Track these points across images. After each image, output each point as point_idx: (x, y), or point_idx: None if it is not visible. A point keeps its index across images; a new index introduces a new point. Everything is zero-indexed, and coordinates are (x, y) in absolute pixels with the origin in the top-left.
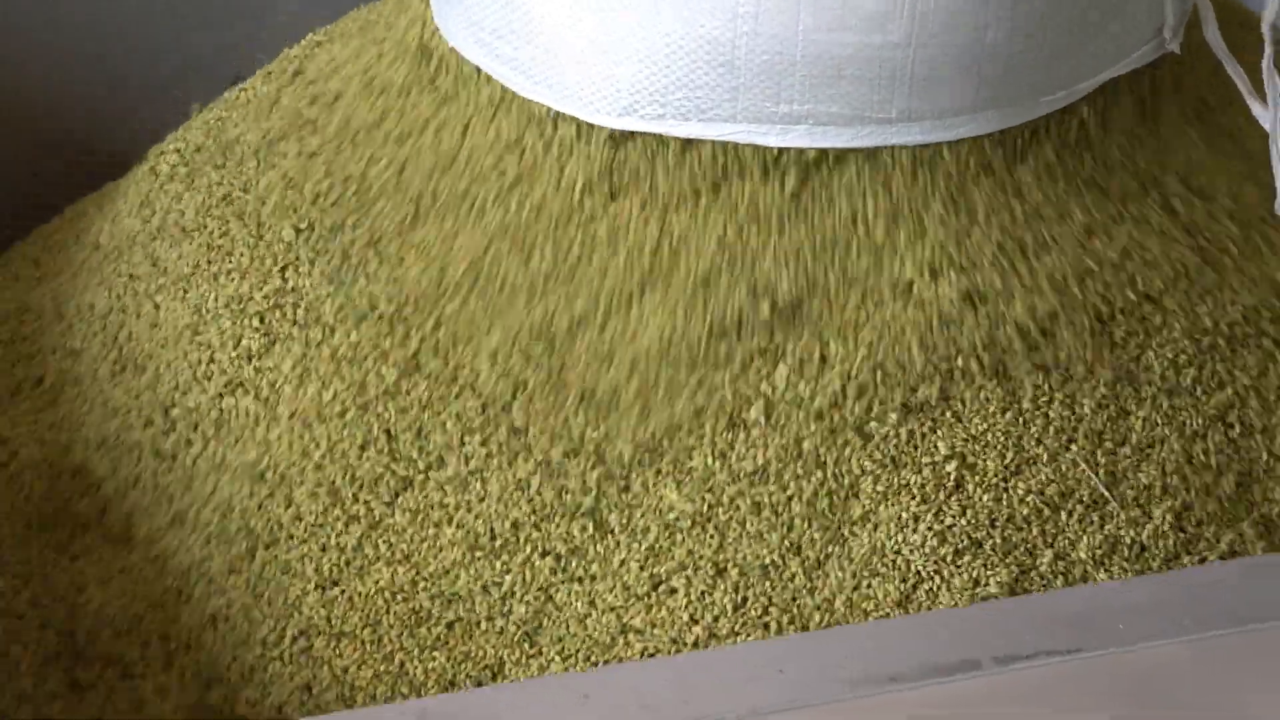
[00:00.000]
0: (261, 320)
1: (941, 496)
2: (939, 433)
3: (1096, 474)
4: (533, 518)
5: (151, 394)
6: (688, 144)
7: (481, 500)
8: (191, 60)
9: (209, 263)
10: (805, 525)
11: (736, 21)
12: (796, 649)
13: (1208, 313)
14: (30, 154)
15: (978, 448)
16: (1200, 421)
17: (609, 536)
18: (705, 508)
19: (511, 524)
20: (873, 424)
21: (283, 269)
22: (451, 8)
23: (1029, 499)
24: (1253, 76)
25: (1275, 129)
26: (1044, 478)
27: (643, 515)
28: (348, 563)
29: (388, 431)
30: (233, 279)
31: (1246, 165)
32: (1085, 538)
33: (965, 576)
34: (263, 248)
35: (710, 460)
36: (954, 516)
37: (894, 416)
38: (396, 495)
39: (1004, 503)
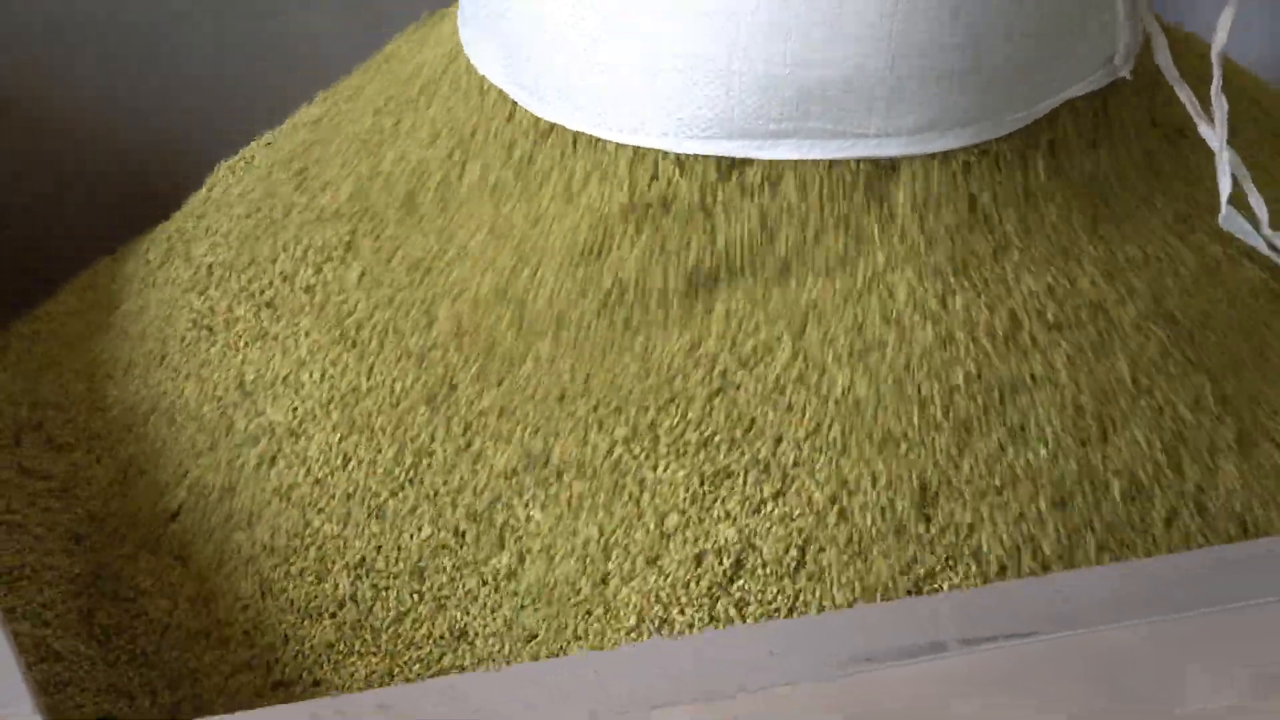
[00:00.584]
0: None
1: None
2: None
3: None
4: None
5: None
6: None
7: None
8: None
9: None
10: None
11: (733, 48)
12: (784, 632)
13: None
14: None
15: None
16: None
17: None
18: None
19: None
20: None
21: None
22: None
23: None
24: (1204, 102)
25: (1221, 149)
26: None
27: None
28: None
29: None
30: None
31: (1185, 185)
32: None
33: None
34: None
35: None
36: None
37: None
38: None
39: None
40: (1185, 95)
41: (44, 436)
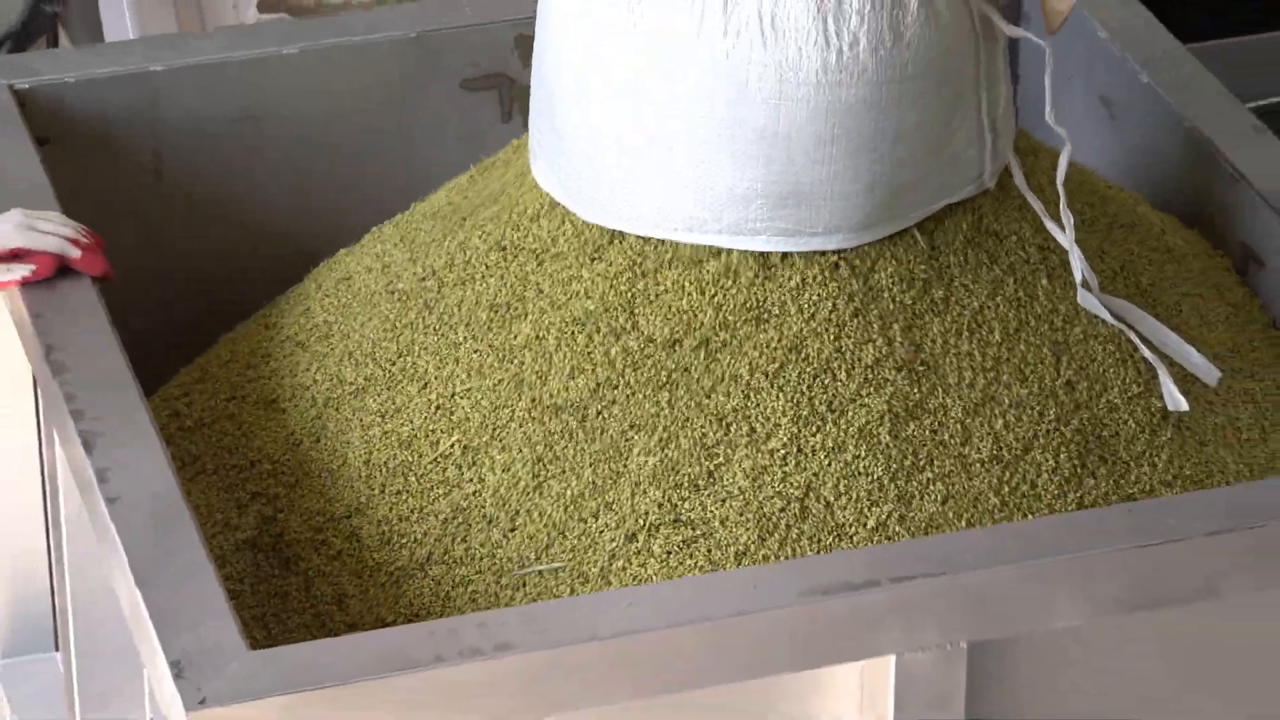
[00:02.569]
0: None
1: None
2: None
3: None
4: None
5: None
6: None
7: None
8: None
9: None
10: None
11: (718, 171)
12: (769, 573)
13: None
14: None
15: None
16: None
17: None
18: None
19: None
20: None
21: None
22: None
23: None
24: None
25: (1072, 245)
26: None
27: None
28: None
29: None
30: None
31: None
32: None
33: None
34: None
35: None
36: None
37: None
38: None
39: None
40: (1037, 206)
41: (227, 429)
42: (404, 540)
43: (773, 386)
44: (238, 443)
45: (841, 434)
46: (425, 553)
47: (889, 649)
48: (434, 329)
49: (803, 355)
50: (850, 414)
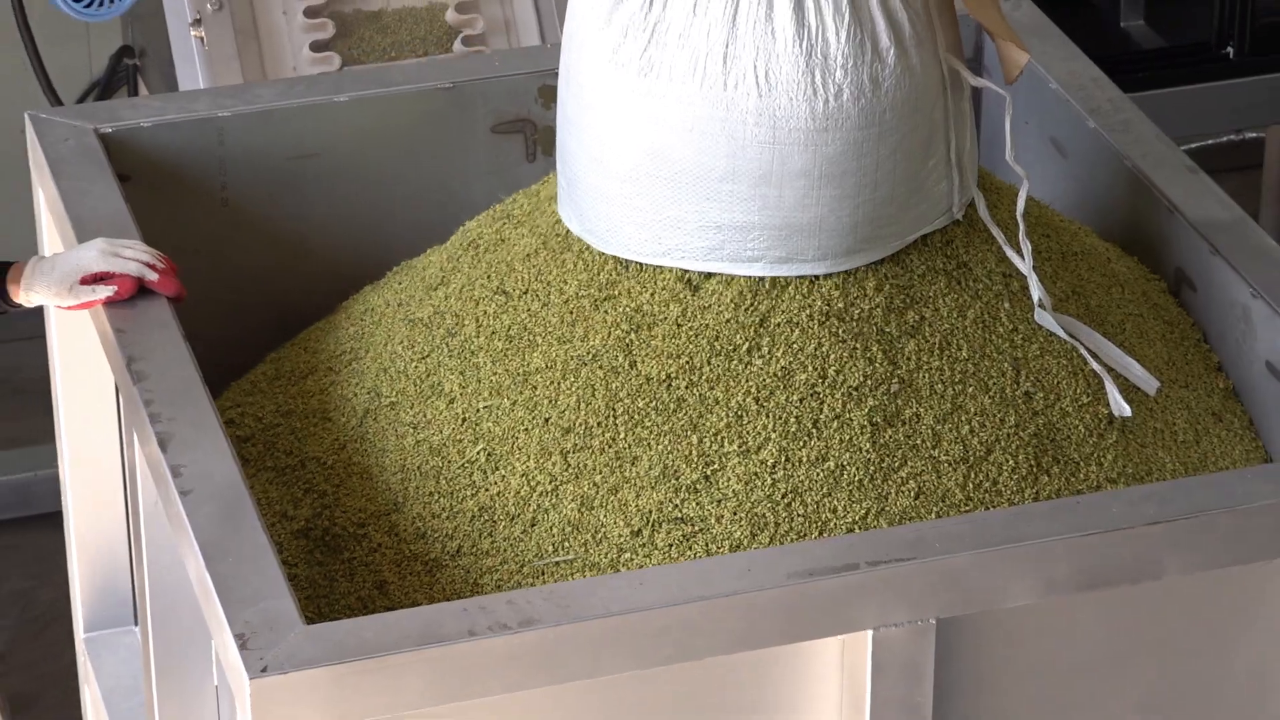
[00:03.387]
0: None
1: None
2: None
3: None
4: None
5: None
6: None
7: None
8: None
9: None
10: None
11: (721, 208)
12: (761, 557)
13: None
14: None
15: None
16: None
17: None
18: None
19: None
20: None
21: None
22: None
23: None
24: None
25: (1030, 271)
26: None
27: None
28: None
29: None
30: None
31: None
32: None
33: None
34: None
35: None
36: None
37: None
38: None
39: None
40: (999, 235)
41: (281, 434)
42: (436, 535)
43: (762, 410)
44: (291, 446)
45: (826, 446)
46: (455, 546)
47: (867, 624)
48: (457, 353)
49: (791, 383)
50: (834, 429)
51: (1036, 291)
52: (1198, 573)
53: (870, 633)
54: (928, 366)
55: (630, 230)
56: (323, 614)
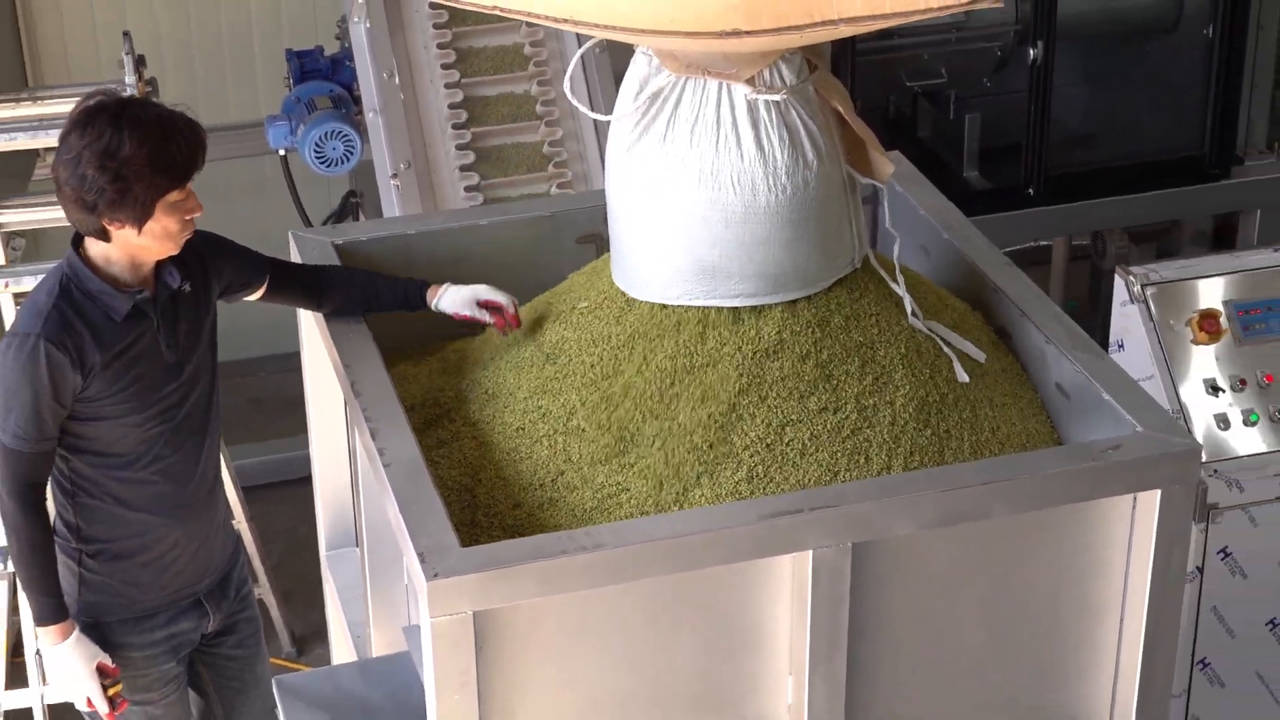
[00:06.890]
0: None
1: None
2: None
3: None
4: None
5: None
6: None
7: None
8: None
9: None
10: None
11: (708, 262)
12: (742, 506)
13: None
14: None
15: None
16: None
17: None
18: None
19: None
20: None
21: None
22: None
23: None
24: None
25: (904, 292)
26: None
27: None
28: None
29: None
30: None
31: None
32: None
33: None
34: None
35: None
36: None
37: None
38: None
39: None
40: (884, 274)
41: (444, 424)
42: (528, 490)
43: (763, 402)
44: (447, 433)
45: (796, 435)
46: (545, 496)
47: (808, 546)
48: (557, 378)
49: (763, 394)
50: (795, 427)
51: (909, 304)
52: (1014, 515)
53: (810, 552)
54: (845, 367)
55: (645, 279)
56: (469, 541)
